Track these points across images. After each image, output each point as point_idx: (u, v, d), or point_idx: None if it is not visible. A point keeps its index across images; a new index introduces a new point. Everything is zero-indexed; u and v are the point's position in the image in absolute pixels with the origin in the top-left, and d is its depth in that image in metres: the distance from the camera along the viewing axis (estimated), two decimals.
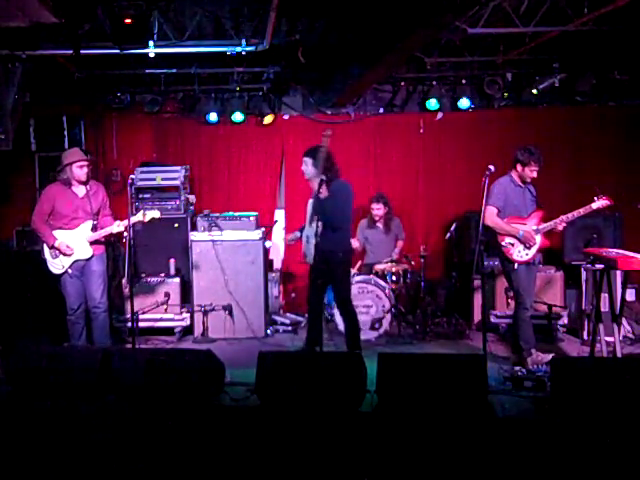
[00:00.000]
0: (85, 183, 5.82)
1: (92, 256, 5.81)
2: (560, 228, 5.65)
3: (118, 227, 5.77)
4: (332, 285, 5.89)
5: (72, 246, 5.74)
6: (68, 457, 3.89)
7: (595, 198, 5.55)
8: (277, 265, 8.24)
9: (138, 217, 5.78)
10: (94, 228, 5.80)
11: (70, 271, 5.78)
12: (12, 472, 3.72)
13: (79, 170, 5.75)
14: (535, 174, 5.61)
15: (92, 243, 5.79)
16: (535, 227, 5.58)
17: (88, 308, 5.89)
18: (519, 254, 5.53)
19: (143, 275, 7.18)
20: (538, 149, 5.62)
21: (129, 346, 6.03)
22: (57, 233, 5.78)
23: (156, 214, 5.87)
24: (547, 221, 5.61)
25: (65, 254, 5.74)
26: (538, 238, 5.55)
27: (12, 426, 4.37)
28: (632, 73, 7.69)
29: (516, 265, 5.53)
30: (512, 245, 5.53)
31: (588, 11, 5.85)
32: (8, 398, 4.88)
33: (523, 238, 5.50)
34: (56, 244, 5.72)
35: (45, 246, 5.83)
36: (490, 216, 5.50)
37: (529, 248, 5.53)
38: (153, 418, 4.47)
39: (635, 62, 7.36)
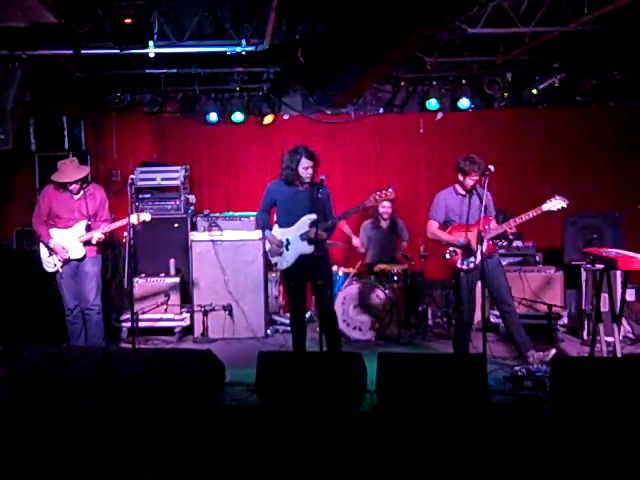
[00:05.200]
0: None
1: (85, 257, 5.81)
2: (510, 232, 5.51)
3: (103, 231, 5.74)
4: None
5: (67, 247, 5.76)
6: (68, 457, 3.89)
7: (547, 200, 5.39)
8: None
9: (132, 219, 5.71)
10: (88, 228, 5.80)
11: (61, 270, 5.80)
12: (12, 473, 3.72)
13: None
14: (473, 182, 5.48)
15: (85, 244, 5.79)
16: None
17: (82, 309, 5.91)
18: (462, 263, 5.52)
19: (143, 275, 7.18)
20: (479, 157, 5.49)
21: (129, 346, 6.03)
22: (53, 232, 5.80)
23: (147, 217, 5.81)
24: (496, 226, 5.53)
25: (60, 254, 5.75)
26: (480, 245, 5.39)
27: (12, 427, 4.37)
28: (632, 73, 7.68)
29: (462, 274, 5.51)
30: (455, 254, 5.54)
31: (588, 11, 5.85)
32: (8, 399, 4.88)
33: (462, 247, 5.49)
34: (51, 244, 5.75)
35: (42, 245, 5.86)
36: (430, 229, 5.63)
37: (471, 256, 5.45)
38: (153, 418, 4.47)
39: (635, 62, 7.35)
